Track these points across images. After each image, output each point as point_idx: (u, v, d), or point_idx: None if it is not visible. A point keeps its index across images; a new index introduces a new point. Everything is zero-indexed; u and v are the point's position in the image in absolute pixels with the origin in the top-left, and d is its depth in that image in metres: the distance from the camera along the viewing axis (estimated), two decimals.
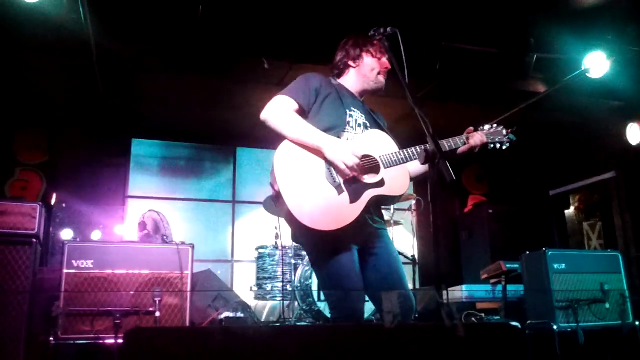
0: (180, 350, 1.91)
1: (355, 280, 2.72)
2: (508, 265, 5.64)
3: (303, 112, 2.85)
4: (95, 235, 6.29)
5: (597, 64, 5.95)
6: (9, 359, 3.75)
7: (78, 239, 5.84)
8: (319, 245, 2.75)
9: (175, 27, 5.23)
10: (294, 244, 5.91)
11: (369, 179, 2.75)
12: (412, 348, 2.07)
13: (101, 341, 3.92)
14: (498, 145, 3.05)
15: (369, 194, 2.73)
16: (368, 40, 3.02)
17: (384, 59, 3.03)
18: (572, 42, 5.96)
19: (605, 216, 7.91)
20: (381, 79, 3.05)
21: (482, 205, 8.53)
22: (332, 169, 2.72)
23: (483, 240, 8.02)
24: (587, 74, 6.04)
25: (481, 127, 3.06)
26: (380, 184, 2.76)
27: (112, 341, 3.89)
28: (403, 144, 2.92)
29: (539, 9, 5.64)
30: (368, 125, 2.99)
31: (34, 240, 4.06)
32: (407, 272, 6.79)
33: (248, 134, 8.21)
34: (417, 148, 2.78)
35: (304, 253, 6.15)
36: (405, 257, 6.60)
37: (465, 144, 2.95)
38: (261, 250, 6.16)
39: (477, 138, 2.97)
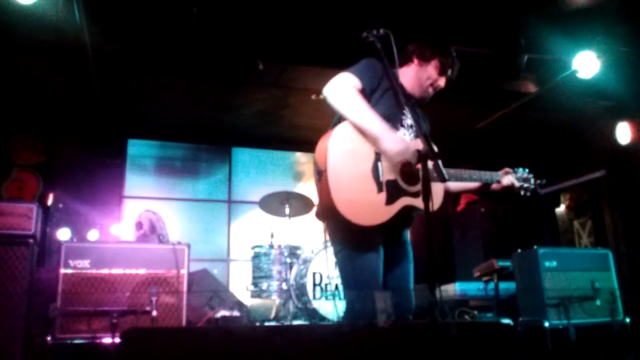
0: (176, 350, 1.95)
1: (377, 280, 2.75)
2: (500, 263, 5.70)
3: (365, 94, 2.80)
4: (92, 235, 6.30)
5: (587, 64, 6.00)
6: (6, 358, 3.76)
7: (75, 239, 5.86)
8: (348, 236, 2.77)
9: (170, 29, 5.24)
10: (289, 243, 5.97)
11: (408, 187, 2.73)
12: (406, 346, 2.11)
13: (98, 341, 3.94)
14: (522, 192, 3.20)
15: (403, 201, 2.73)
16: (446, 52, 3.04)
17: (443, 79, 3.04)
18: (563, 42, 6.00)
19: (596, 214, 7.97)
20: (430, 91, 3.05)
21: (474, 204, 8.57)
22: (380, 164, 2.71)
23: (475, 238, 8.07)
24: (577, 74, 6.08)
25: (516, 170, 3.21)
26: (417, 195, 2.75)
27: (109, 340, 3.91)
28: None
29: (529, 10, 5.68)
30: (415, 128, 2.95)
31: (31, 240, 4.07)
32: None
33: (243, 133, 8.26)
34: (464, 171, 2.92)
35: (299, 252, 6.18)
36: None
37: (499, 181, 3.11)
38: (257, 249, 6.19)
39: (509, 180, 3.13)
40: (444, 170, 2.48)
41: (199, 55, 5.50)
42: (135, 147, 8.05)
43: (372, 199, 2.66)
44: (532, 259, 4.91)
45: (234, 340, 2.08)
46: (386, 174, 2.71)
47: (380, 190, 2.68)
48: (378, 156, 2.72)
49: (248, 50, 5.54)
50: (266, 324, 5.60)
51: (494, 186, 3.12)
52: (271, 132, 8.15)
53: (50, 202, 6.56)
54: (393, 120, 2.84)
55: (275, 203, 6.01)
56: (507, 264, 5.53)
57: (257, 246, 6.22)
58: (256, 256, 6.14)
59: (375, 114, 2.70)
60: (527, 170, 3.25)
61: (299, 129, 7.83)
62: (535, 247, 4.92)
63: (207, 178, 8.39)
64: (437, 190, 2.86)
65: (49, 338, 3.89)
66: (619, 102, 6.97)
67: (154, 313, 4.02)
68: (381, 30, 2.90)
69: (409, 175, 2.77)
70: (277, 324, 5.40)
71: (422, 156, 2.47)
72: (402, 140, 2.70)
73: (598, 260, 5.14)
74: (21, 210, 4.12)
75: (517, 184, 3.16)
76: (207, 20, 5.26)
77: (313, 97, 6.77)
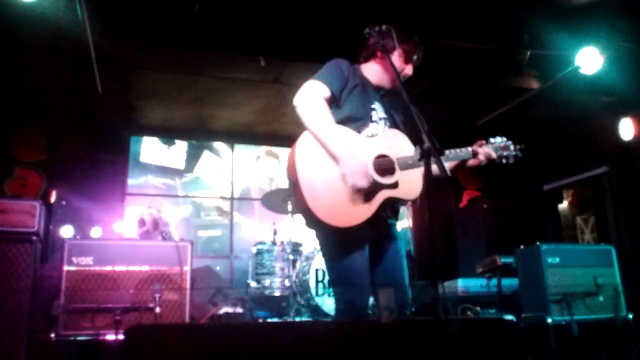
0: (180, 347, 1.96)
1: (364, 278, 2.76)
2: (503, 259, 5.69)
3: (333, 98, 2.84)
4: (95, 232, 6.31)
5: (590, 59, 5.99)
6: (9, 355, 3.77)
7: (78, 236, 5.87)
8: (332, 238, 2.77)
9: (173, 25, 5.25)
10: (291, 239, 5.98)
11: (384, 180, 2.72)
12: (408, 343, 2.11)
13: (101, 337, 3.95)
14: (504, 161, 3.10)
15: (382, 195, 2.72)
16: (408, 40, 3.01)
17: (410, 66, 3.04)
18: (565, 38, 5.99)
19: (598, 210, 7.97)
20: (397, 84, 3.00)
21: (477, 200, 8.58)
22: None
23: (478, 234, 8.07)
24: (580, 70, 6.08)
25: (492, 140, 3.13)
26: (394, 186, 2.75)
27: (112, 337, 3.93)
28: None
29: (532, 6, 5.67)
30: (387, 120, 2.98)
31: (34, 237, 4.08)
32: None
33: (245, 130, 8.26)
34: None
35: (301, 249, 6.20)
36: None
37: (474, 155, 3.02)
38: (259, 246, 6.20)
39: (486, 152, 3.04)
40: (446, 167, 2.47)
41: (201, 52, 5.50)
42: (138, 144, 8.06)
43: (350, 199, 2.66)
44: (535, 255, 4.90)
45: (237, 336, 2.08)
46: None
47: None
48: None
49: (250, 47, 5.54)
50: (269, 320, 5.61)
51: (471, 162, 3.05)
52: (273, 128, 8.15)
53: (53, 199, 6.57)
54: (362, 118, 2.87)
55: (277, 200, 6.01)
56: (510, 260, 5.52)
57: (260, 243, 6.23)
58: (259, 253, 6.15)
59: (335, 132, 2.71)
60: (504, 138, 3.18)
61: (300, 126, 7.82)
62: (537, 243, 4.91)
63: (208, 174, 8.39)
64: (416, 177, 2.83)
65: (52, 335, 3.90)
66: (621, 98, 6.95)
67: (157, 310, 4.02)
68: (383, 27, 2.90)
69: (383, 168, 2.75)
70: (280, 320, 5.41)
71: (424, 153, 2.47)
72: (359, 165, 2.66)
73: (601, 256, 5.13)
74: (24, 207, 4.13)
75: (494, 154, 3.07)
76: (209, 16, 5.26)
77: None
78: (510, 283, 5.91)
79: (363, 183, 2.64)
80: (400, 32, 2.99)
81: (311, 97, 2.78)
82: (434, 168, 2.84)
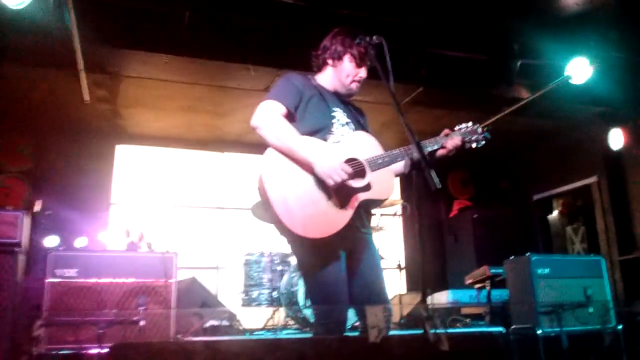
0: None
1: (341, 290, 2.73)
2: (493, 270, 5.68)
3: (290, 115, 2.81)
4: (80, 242, 6.22)
5: (580, 69, 6.01)
6: None
7: (63, 247, 5.78)
8: (308, 252, 2.75)
9: (162, 34, 5.20)
10: (280, 250, 5.91)
11: (356, 183, 2.69)
12: (396, 358, 2.07)
13: (85, 351, 3.88)
14: (474, 145, 3.05)
15: (357, 199, 2.71)
16: (354, 44, 2.95)
17: (363, 69, 2.98)
18: (556, 48, 6.02)
19: (588, 220, 7.98)
20: (353, 87, 3.00)
21: (467, 210, 8.57)
22: None
23: (468, 244, 8.07)
24: (570, 80, 6.10)
25: (457, 127, 3.07)
26: (367, 187, 2.72)
27: (96, 351, 3.85)
28: (389, 149, 2.90)
29: (522, 16, 5.68)
30: (351, 123, 2.95)
31: (17, 249, 4.02)
32: (394, 278, 6.85)
33: (234, 139, 8.20)
34: (401, 149, 2.79)
35: (289, 259, 6.14)
36: (391, 262, 6.63)
37: (443, 146, 2.96)
38: (247, 257, 6.13)
39: (454, 140, 2.98)
40: (436, 179, 2.42)
41: (190, 60, 5.46)
42: (124, 153, 7.98)
43: (325, 208, 2.65)
44: (525, 266, 4.89)
45: (225, 354, 2.04)
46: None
47: (329, 197, 2.67)
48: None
49: (240, 54, 5.50)
50: (255, 333, 5.54)
51: (441, 152, 2.97)
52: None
53: (38, 208, 6.48)
54: (325, 127, 2.85)
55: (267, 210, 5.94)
56: (500, 271, 5.51)
57: (248, 254, 6.17)
58: (247, 264, 6.09)
59: (300, 141, 2.69)
60: (470, 123, 3.10)
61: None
62: (528, 254, 4.90)
63: (197, 184, 8.32)
64: (388, 176, 2.83)
65: (34, 349, 3.82)
66: (611, 108, 6.99)
67: (142, 323, 3.96)
68: (374, 37, 2.87)
69: (354, 172, 2.71)
70: (266, 336, 5.34)
71: (415, 164, 2.43)
72: (332, 160, 2.65)
73: (591, 267, 5.13)
74: (7, 218, 4.07)
75: (461, 140, 3.00)
76: (199, 25, 5.22)
77: None
78: (500, 294, 5.89)
79: (341, 176, 2.62)
80: (348, 35, 2.97)
81: (269, 115, 2.75)
82: (400, 166, 2.84)
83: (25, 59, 5.38)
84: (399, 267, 6.58)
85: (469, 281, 6.12)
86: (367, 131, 2.99)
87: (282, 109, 2.78)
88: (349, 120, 2.95)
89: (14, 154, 7.16)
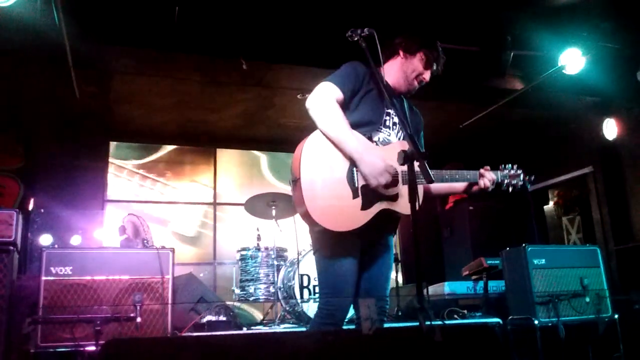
0: None
1: (347, 285, 2.77)
2: (489, 262, 5.69)
3: (345, 101, 2.84)
4: (75, 240, 6.20)
5: (572, 60, 6.01)
6: None
7: (57, 245, 5.76)
8: (324, 238, 2.79)
9: (152, 29, 5.18)
10: (276, 245, 5.91)
11: (385, 191, 2.72)
12: (391, 352, 2.07)
13: (82, 348, 3.87)
14: (511, 189, 3.14)
15: (379, 206, 2.73)
16: (432, 45, 3.03)
17: (429, 72, 3.03)
18: (548, 39, 6.01)
19: (584, 210, 8.01)
20: (416, 84, 3.05)
21: (462, 202, 8.58)
22: (356, 170, 2.72)
23: (464, 236, 8.08)
24: (563, 71, 6.10)
25: (502, 166, 3.14)
26: (394, 198, 2.76)
27: (92, 348, 3.84)
28: None
29: (515, 7, 5.67)
30: (398, 125, 2.96)
31: (12, 247, 4.00)
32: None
33: (228, 135, 8.18)
34: (443, 172, 2.90)
35: (286, 254, 6.14)
36: None
37: (476, 181, 3.03)
38: (243, 252, 6.13)
39: (491, 177, 3.03)
40: (430, 171, 2.43)
41: (181, 55, 5.43)
42: (118, 150, 7.96)
43: (347, 204, 2.68)
44: (521, 256, 4.90)
45: (216, 349, 2.04)
46: (362, 180, 2.71)
47: (355, 195, 2.70)
48: (353, 162, 2.72)
49: (232, 50, 5.48)
50: (253, 328, 5.54)
51: (476, 187, 3.07)
52: (256, 132, 8.09)
53: (31, 207, 6.45)
54: (374, 123, 2.88)
55: (261, 205, 5.94)
56: (496, 262, 5.52)
57: (244, 249, 6.16)
58: (243, 259, 6.08)
59: (350, 133, 2.72)
60: (515, 166, 3.19)
61: (285, 129, 7.77)
62: (523, 244, 4.91)
63: (191, 180, 8.31)
64: (418, 193, 2.79)
65: (30, 347, 3.81)
66: (605, 98, 7.00)
67: (139, 319, 3.94)
68: (365, 30, 2.88)
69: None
70: (262, 331, 5.34)
71: (407, 157, 2.42)
72: (379, 163, 2.68)
73: (587, 257, 5.14)
74: (1, 216, 4.04)
75: (487, 183, 3.04)
76: (189, 20, 5.20)
77: (299, 96, 6.72)
78: (496, 285, 5.90)
79: (386, 178, 2.67)
80: (426, 37, 3.05)
81: (324, 99, 2.77)
82: (436, 187, 2.95)
83: (15, 57, 5.35)
84: (396, 259, 6.58)
85: (465, 273, 6.13)
86: (415, 136, 2.90)
87: (338, 94, 2.79)
88: (396, 122, 2.96)
89: (6, 152, 7.13)
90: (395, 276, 6.52)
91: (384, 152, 2.80)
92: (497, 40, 6.07)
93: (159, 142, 8.17)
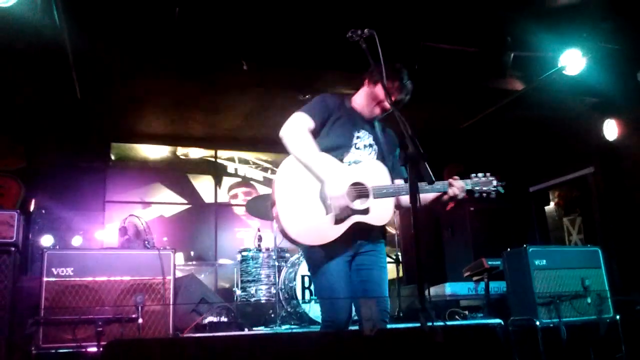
0: None
1: (342, 291, 2.97)
2: (490, 262, 5.69)
3: (316, 129, 3.10)
4: (76, 240, 6.21)
5: (573, 61, 6.01)
6: None
7: (58, 246, 5.76)
8: (308, 252, 3.07)
9: (152, 30, 5.18)
10: (277, 246, 5.91)
11: (356, 205, 2.94)
12: (393, 353, 2.07)
13: (84, 349, 3.87)
14: (485, 195, 3.20)
15: (352, 219, 2.94)
16: (395, 77, 3.15)
17: (387, 102, 3.11)
18: (548, 40, 6.01)
19: (585, 211, 7.99)
20: (377, 111, 3.22)
21: (463, 203, 8.56)
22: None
23: (465, 237, 8.07)
24: (563, 71, 6.10)
25: (473, 175, 3.19)
26: (365, 212, 2.96)
27: (94, 349, 3.84)
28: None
29: (515, 8, 5.68)
30: (375, 146, 3.21)
31: (13, 248, 4.01)
32: (391, 271, 6.85)
33: (228, 136, 8.18)
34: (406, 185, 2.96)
35: (287, 255, 6.13)
36: (389, 256, 6.62)
37: (446, 191, 3.10)
38: (244, 253, 6.13)
39: (460, 185, 3.11)
40: (430, 172, 2.44)
41: (182, 56, 5.43)
42: (119, 151, 7.96)
43: (321, 221, 2.92)
44: (522, 257, 4.91)
45: (218, 350, 2.04)
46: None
47: (328, 211, 2.92)
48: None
49: (232, 51, 5.48)
50: (254, 329, 5.53)
51: (445, 196, 3.13)
52: (257, 133, 8.09)
53: (32, 208, 6.46)
54: (344, 146, 3.11)
55: (262, 206, 5.94)
56: (497, 263, 5.52)
57: (245, 250, 6.16)
58: (244, 260, 6.08)
59: (319, 158, 2.98)
60: (488, 174, 3.23)
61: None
62: (524, 245, 4.91)
63: (192, 181, 8.31)
64: (388, 205, 3.06)
65: (32, 347, 3.81)
66: (605, 99, 6.99)
67: (140, 320, 3.95)
68: (366, 31, 2.93)
69: (357, 195, 2.98)
70: (263, 332, 5.33)
71: (409, 158, 2.44)
72: (341, 187, 2.90)
73: (588, 258, 5.15)
74: (2, 217, 4.06)
75: (457, 192, 3.10)
76: (189, 21, 5.20)
77: (300, 97, 6.73)
78: (498, 286, 5.90)
79: (341, 203, 2.88)
80: (387, 69, 3.09)
81: (296, 128, 3.04)
82: (405, 199, 3.10)
83: (16, 57, 5.35)
84: (397, 260, 6.58)
85: (466, 274, 6.13)
86: (389, 155, 3.26)
87: (309, 123, 3.07)
88: (372, 143, 3.21)
89: (7, 153, 7.14)
90: (396, 277, 6.53)
91: (354, 170, 3.04)
92: (497, 41, 6.07)
93: (159, 142, 8.17)
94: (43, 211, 6.26)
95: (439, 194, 3.16)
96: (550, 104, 7.05)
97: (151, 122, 7.59)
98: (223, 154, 8.55)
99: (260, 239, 6.17)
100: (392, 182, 3.08)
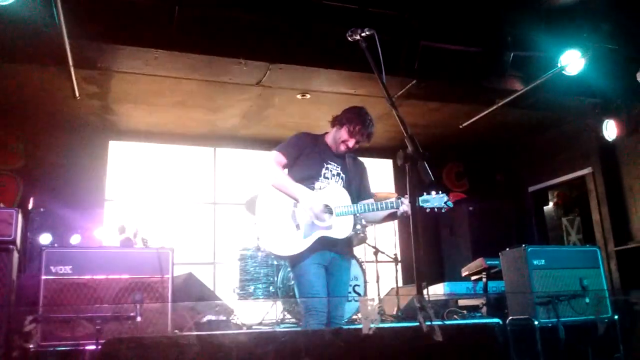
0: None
1: (319, 286, 3.59)
2: (489, 262, 5.69)
3: (289, 164, 3.77)
4: (75, 239, 6.19)
5: (572, 61, 6.01)
6: None
7: (57, 244, 5.76)
8: (293, 262, 3.65)
9: (152, 29, 5.18)
10: None
11: (320, 222, 3.58)
12: (391, 351, 2.07)
13: (82, 347, 3.86)
14: (436, 210, 3.64)
15: (317, 234, 3.59)
16: (358, 123, 3.73)
17: (353, 140, 3.76)
18: (549, 40, 6.02)
19: (584, 211, 8.01)
20: (342, 148, 3.81)
21: (462, 203, 8.58)
22: (296, 212, 3.60)
23: (464, 237, 8.08)
24: (563, 72, 6.10)
25: (424, 193, 3.60)
26: (329, 227, 3.61)
27: (93, 347, 3.84)
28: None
29: (515, 8, 5.69)
30: (342, 174, 3.85)
31: (11, 246, 4.00)
32: (390, 271, 6.87)
33: (227, 134, 8.18)
34: (367, 203, 3.67)
35: None
36: (387, 255, 6.63)
37: (398, 208, 3.62)
38: (243, 252, 6.12)
39: (406, 205, 3.56)
40: (429, 171, 2.44)
41: (181, 55, 5.43)
42: (117, 149, 7.95)
43: (293, 235, 3.59)
44: (521, 257, 4.91)
45: (216, 348, 2.04)
46: (299, 217, 3.60)
47: (298, 229, 3.58)
48: (295, 204, 3.62)
49: (231, 49, 5.48)
50: (253, 327, 5.54)
51: (398, 213, 3.66)
52: (256, 132, 8.09)
53: (31, 206, 6.45)
54: (314, 176, 3.74)
55: None
56: (496, 262, 5.52)
57: (244, 249, 6.16)
58: (242, 259, 6.08)
59: (292, 183, 3.65)
60: (440, 191, 3.64)
61: (284, 128, 7.76)
62: (523, 245, 4.91)
63: (191, 179, 8.30)
64: (348, 222, 3.71)
65: (31, 345, 3.81)
66: (604, 99, 7.00)
67: (139, 319, 3.94)
68: (366, 30, 2.92)
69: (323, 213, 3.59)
70: (262, 330, 5.34)
71: (408, 157, 2.45)
72: (312, 198, 3.58)
73: (586, 258, 5.15)
74: (0, 215, 4.04)
75: (407, 209, 3.51)
76: (189, 19, 5.20)
77: (299, 96, 6.73)
78: (496, 285, 5.90)
79: (318, 207, 3.56)
80: (355, 115, 3.77)
81: (271, 165, 3.72)
82: (383, 213, 3.77)
83: (15, 56, 5.34)
84: (395, 260, 6.59)
85: (465, 273, 6.14)
86: (355, 180, 3.89)
87: (282, 159, 3.75)
88: (340, 172, 3.84)
89: (5, 151, 7.13)
90: (395, 277, 6.54)
91: (321, 194, 3.66)
92: (497, 41, 6.08)
93: (159, 141, 8.16)
94: (42, 209, 6.24)
95: (390, 211, 3.69)
96: (550, 104, 7.07)
97: (150, 121, 7.58)
98: (222, 152, 8.54)
99: (259, 237, 6.15)
100: (356, 204, 3.67)
